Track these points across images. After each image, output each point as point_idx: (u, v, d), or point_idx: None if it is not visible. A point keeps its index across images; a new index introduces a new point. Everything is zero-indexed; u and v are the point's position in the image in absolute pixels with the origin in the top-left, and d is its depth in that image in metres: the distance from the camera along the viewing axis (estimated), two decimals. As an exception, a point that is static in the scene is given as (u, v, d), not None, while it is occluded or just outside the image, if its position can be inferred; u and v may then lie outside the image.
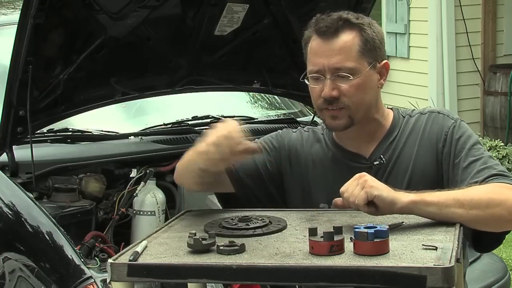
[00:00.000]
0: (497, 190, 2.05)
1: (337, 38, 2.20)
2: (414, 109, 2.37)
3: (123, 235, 3.24)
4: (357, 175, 2.00)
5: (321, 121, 2.35)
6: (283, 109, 4.34)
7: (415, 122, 2.30)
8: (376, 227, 1.77)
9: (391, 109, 2.37)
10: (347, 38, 2.20)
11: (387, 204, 1.96)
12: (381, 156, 2.27)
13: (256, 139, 2.41)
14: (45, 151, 3.19)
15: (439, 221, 1.98)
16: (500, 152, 7.08)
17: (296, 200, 2.35)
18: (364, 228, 1.77)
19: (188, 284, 2.07)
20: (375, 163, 2.26)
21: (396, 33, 8.77)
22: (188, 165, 2.23)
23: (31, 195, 2.90)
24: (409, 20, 8.62)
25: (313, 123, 3.74)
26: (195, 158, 2.15)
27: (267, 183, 2.35)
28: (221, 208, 3.13)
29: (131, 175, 3.33)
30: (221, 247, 1.81)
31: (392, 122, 2.32)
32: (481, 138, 7.45)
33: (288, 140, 2.39)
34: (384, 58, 2.29)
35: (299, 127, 2.46)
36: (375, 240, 1.74)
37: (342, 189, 2.00)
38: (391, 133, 2.30)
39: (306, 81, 2.28)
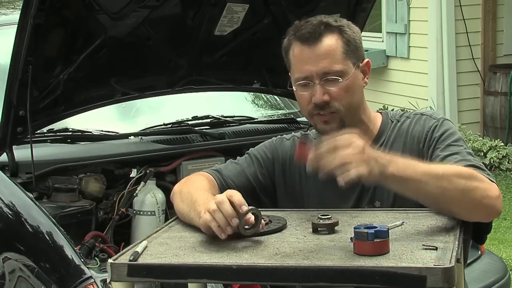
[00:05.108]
0: (468, 175, 2.03)
1: (321, 42, 2.20)
2: (404, 113, 2.36)
3: (123, 235, 3.23)
4: (358, 144, 1.93)
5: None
6: (283, 109, 4.33)
7: (401, 126, 2.29)
8: (376, 227, 1.77)
9: (380, 113, 2.36)
10: (331, 41, 2.21)
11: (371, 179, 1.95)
12: None
13: (250, 149, 2.41)
14: (45, 151, 3.19)
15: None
16: (500, 152, 7.08)
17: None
18: (364, 228, 1.77)
19: (188, 284, 2.07)
20: None
21: (396, 33, 8.76)
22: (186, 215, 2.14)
23: (31, 195, 2.90)
24: (409, 20, 8.61)
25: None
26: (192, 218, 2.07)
27: (260, 195, 2.34)
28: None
29: (131, 175, 3.32)
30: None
31: (380, 127, 2.31)
32: (481, 138, 7.45)
33: (281, 150, 2.38)
34: (364, 56, 2.29)
35: (293, 134, 2.44)
36: (375, 240, 1.74)
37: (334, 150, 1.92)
38: (378, 138, 2.29)
39: (293, 88, 2.26)
